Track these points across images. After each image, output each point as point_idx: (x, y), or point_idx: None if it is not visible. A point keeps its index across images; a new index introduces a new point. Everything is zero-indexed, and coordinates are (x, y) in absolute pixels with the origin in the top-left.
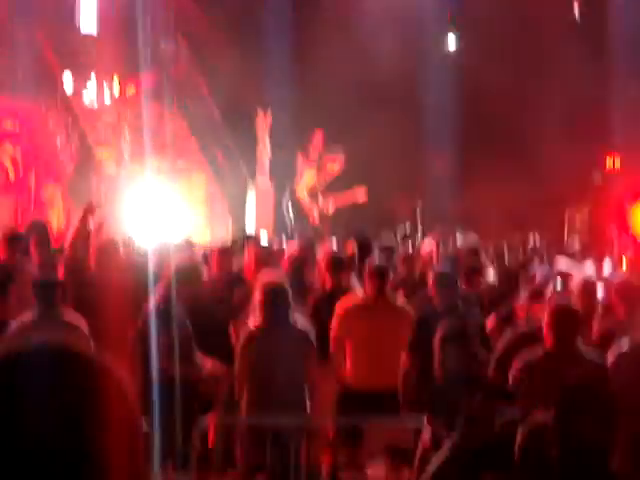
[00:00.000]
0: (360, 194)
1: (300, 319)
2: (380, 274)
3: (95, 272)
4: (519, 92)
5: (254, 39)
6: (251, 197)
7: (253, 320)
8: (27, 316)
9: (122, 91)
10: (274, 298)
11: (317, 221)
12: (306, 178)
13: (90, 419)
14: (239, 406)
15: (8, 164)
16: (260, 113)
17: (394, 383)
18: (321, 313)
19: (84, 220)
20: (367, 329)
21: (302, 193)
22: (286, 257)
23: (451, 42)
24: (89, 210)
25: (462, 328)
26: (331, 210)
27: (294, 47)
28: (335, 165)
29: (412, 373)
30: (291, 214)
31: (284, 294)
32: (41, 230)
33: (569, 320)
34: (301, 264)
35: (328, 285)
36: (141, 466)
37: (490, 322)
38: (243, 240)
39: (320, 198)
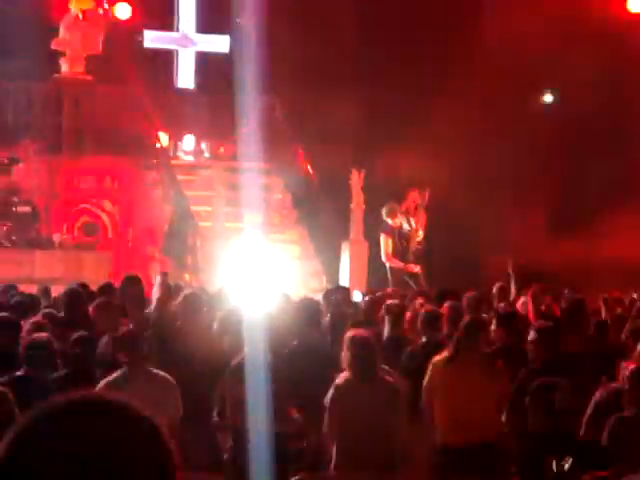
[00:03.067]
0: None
1: (391, 373)
2: (474, 328)
3: (181, 327)
4: (616, 143)
5: (348, 97)
6: (345, 255)
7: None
8: (115, 373)
9: (218, 147)
10: (362, 351)
11: (413, 269)
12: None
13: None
14: (326, 462)
15: (106, 221)
16: (354, 172)
17: (486, 437)
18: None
19: (164, 283)
20: (456, 383)
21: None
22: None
23: (547, 97)
24: (164, 274)
25: (552, 385)
26: (421, 236)
27: (387, 106)
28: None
29: (511, 433)
30: (388, 272)
31: (372, 347)
32: (135, 286)
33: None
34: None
35: (422, 339)
36: None
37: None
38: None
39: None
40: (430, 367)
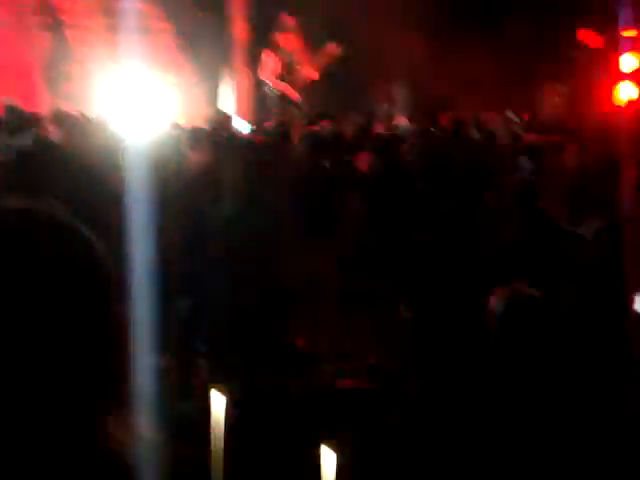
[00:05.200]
0: (332, 50)
1: None
2: None
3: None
4: None
5: None
6: (228, 84)
7: None
8: None
9: None
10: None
11: (298, 96)
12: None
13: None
14: None
15: None
16: None
17: None
18: None
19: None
20: None
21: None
22: None
23: None
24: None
25: None
26: (316, 75)
27: None
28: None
29: None
30: (272, 99)
31: None
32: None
33: None
34: None
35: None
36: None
37: None
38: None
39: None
40: None
